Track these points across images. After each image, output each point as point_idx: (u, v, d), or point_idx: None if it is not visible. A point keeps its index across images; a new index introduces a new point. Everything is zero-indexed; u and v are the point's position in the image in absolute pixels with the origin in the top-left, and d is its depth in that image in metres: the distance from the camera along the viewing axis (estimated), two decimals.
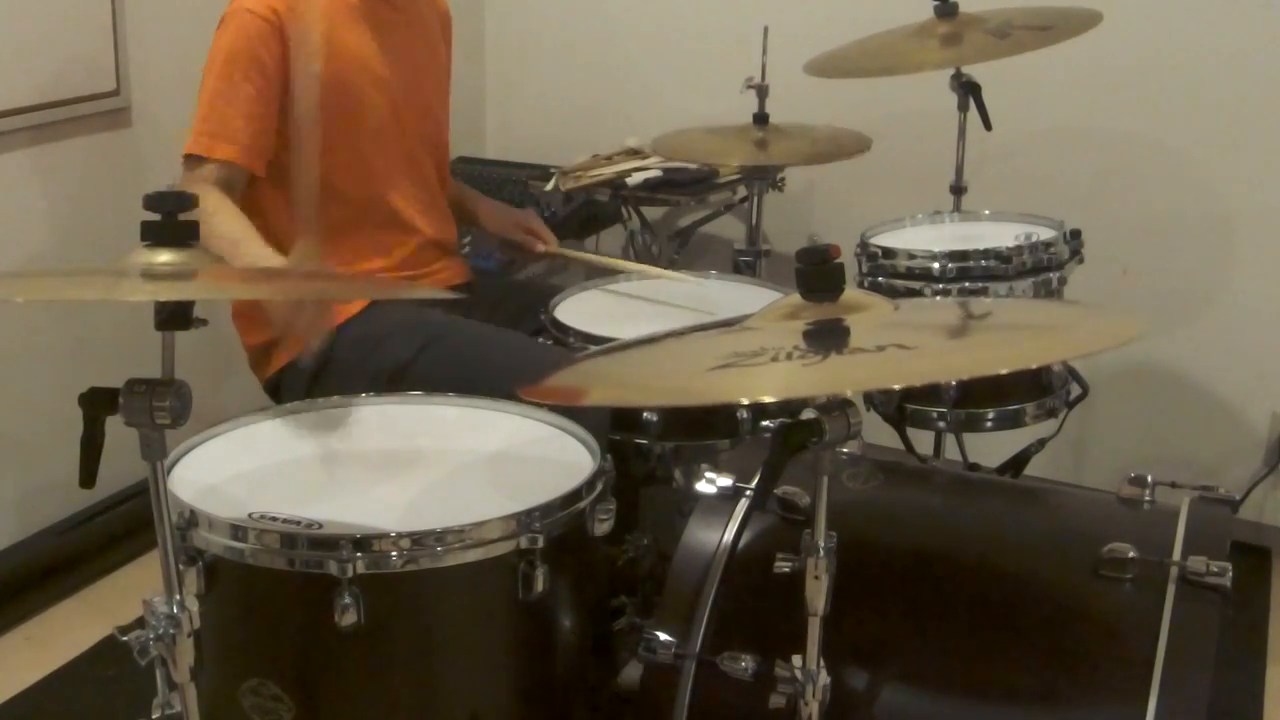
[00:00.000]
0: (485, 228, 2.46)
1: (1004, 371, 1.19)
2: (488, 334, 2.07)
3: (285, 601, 1.41)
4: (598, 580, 1.62)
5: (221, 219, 1.94)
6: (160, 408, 1.23)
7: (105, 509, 2.69)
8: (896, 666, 1.44)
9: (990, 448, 2.45)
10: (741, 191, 2.96)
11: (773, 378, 1.19)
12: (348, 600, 1.33)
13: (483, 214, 2.45)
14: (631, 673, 1.59)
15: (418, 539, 1.35)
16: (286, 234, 1.98)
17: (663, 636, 1.47)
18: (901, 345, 1.19)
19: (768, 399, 1.43)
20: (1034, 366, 1.26)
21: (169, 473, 1.49)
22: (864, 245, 2.32)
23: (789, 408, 1.93)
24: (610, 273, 2.33)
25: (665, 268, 2.41)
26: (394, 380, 1.92)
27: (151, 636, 1.28)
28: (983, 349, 1.30)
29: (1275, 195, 2.75)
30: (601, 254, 3.32)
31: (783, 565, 1.34)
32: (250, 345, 2.16)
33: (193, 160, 2.01)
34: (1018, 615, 1.44)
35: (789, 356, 1.18)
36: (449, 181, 2.37)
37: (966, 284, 2.20)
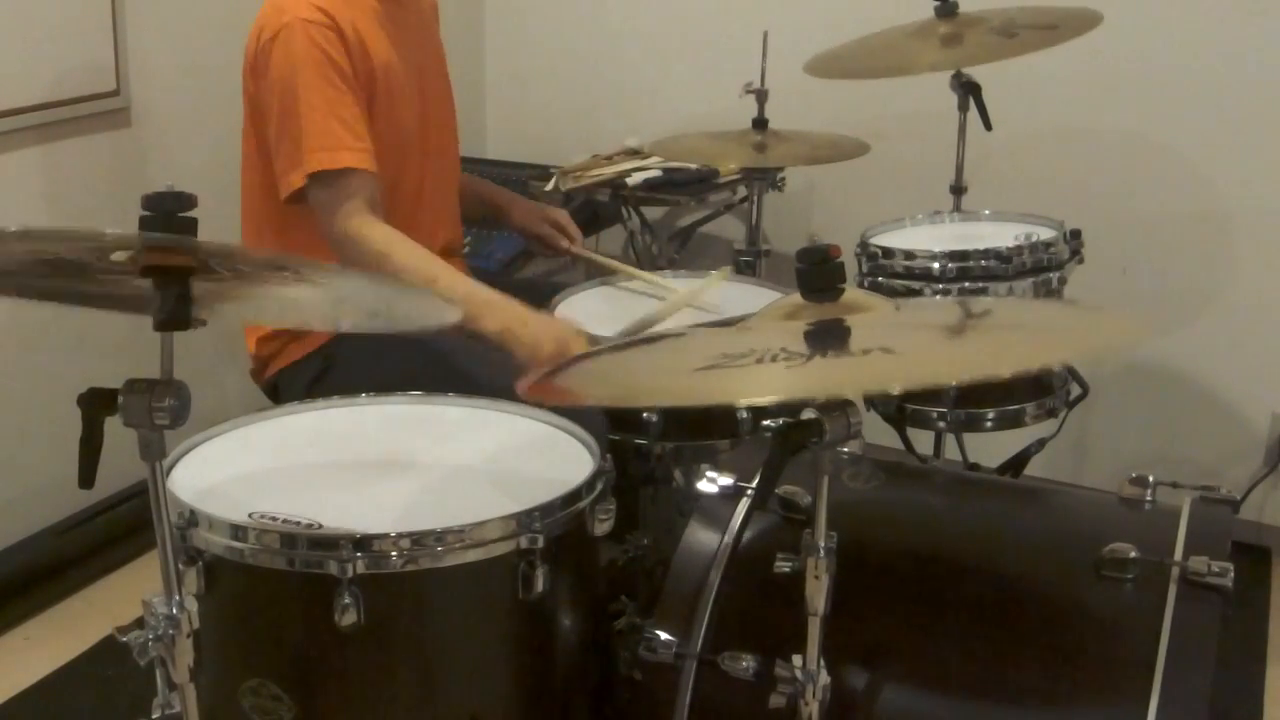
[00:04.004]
0: (512, 221, 2.43)
1: (1002, 376, 1.19)
2: (489, 352, 2.05)
3: (285, 601, 1.41)
4: (598, 580, 1.62)
5: (402, 251, 1.91)
6: (159, 408, 1.22)
7: (105, 509, 2.69)
8: (897, 666, 1.44)
9: (990, 448, 2.45)
10: (741, 191, 2.96)
11: (756, 379, 1.19)
12: (348, 600, 1.33)
13: (510, 207, 2.43)
14: None
15: (418, 539, 1.35)
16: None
17: (663, 636, 1.47)
18: (886, 349, 1.19)
19: (749, 401, 1.43)
20: (1007, 375, 1.25)
21: (169, 473, 1.49)
22: (864, 245, 2.31)
23: (789, 407, 1.94)
24: (616, 274, 2.33)
25: (665, 268, 2.41)
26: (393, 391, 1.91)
27: (151, 636, 1.28)
28: (975, 352, 1.30)
29: (1275, 195, 2.75)
30: (603, 254, 3.32)
31: (783, 565, 1.34)
32: (256, 354, 2.15)
33: (325, 178, 1.92)
34: (1018, 615, 1.44)
35: (774, 359, 1.19)
36: (457, 179, 2.36)
37: (966, 284, 2.20)
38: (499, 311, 1.87)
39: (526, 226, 2.42)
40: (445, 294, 1.85)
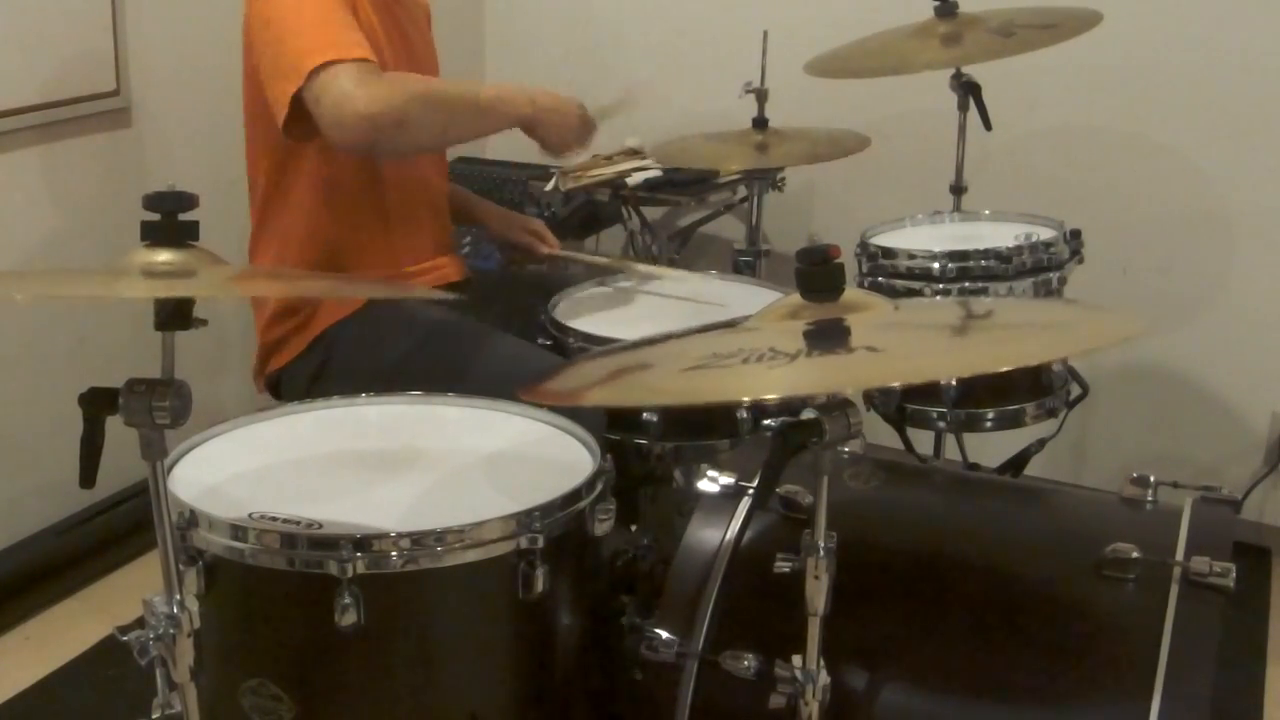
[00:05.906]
0: (490, 231, 2.46)
1: (969, 374, 1.19)
2: (486, 333, 2.07)
3: (285, 601, 1.41)
4: (598, 580, 1.62)
5: (437, 84, 1.99)
6: (160, 408, 1.23)
7: (105, 509, 2.69)
8: (897, 666, 1.44)
9: (990, 448, 2.45)
10: (741, 191, 2.96)
11: (744, 378, 1.19)
12: (348, 600, 1.32)
13: (488, 218, 2.45)
14: None
15: (418, 539, 1.35)
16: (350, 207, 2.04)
17: (664, 635, 1.47)
18: (872, 347, 1.19)
19: (741, 399, 1.43)
20: (994, 370, 1.26)
21: (169, 473, 1.49)
22: (864, 245, 2.32)
23: (789, 407, 1.94)
24: (610, 272, 2.33)
25: (665, 267, 2.42)
26: (393, 377, 1.91)
27: (151, 636, 1.28)
28: (965, 351, 1.30)
29: (1275, 195, 2.75)
30: (601, 254, 3.32)
31: (783, 565, 1.34)
32: (261, 340, 2.14)
33: (324, 68, 1.79)
34: (1020, 615, 1.44)
35: (760, 358, 1.19)
36: (447, 178, 2.36)
37: (966, 284, 2.20)
38: (523, 95, 2.02)
39: (505, 235, 2.44)
40: (486, 100, 2.00)
